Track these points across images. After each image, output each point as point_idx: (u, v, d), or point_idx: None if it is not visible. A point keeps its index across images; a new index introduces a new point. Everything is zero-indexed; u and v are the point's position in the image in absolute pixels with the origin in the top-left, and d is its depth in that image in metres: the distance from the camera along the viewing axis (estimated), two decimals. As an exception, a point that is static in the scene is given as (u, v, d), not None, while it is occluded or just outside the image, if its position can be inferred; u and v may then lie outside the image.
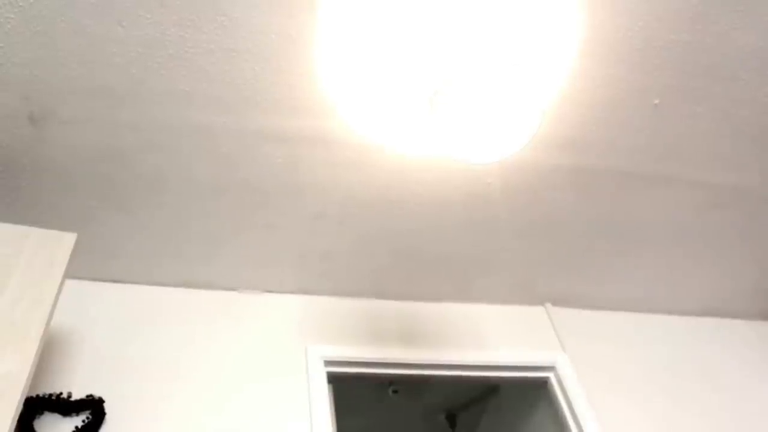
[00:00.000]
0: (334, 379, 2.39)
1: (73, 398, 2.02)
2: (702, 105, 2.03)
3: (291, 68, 1.73)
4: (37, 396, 1.97)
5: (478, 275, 2.74)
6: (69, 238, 1.76)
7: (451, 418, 3.88)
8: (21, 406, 1.45)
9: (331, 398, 2.33)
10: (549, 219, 2.45)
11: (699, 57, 1.86)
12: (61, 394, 2.01)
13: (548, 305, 2.95)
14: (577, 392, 2.57)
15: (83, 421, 1.98)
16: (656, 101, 1.99)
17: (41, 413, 1.96)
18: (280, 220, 2.28)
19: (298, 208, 2.24)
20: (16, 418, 1.42)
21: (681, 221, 2.56)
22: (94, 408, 2.01)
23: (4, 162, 1.90)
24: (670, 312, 3.13)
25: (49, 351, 2.10)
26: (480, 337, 2.73)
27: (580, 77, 1.87)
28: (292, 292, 2.64)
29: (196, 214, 2.20)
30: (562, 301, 2.96)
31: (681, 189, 2.39)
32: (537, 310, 2.94)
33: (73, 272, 1.80)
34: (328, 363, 2.40)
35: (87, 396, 2.03)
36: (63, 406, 1.99)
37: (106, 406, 2.03)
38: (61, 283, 1.68)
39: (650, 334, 3.00)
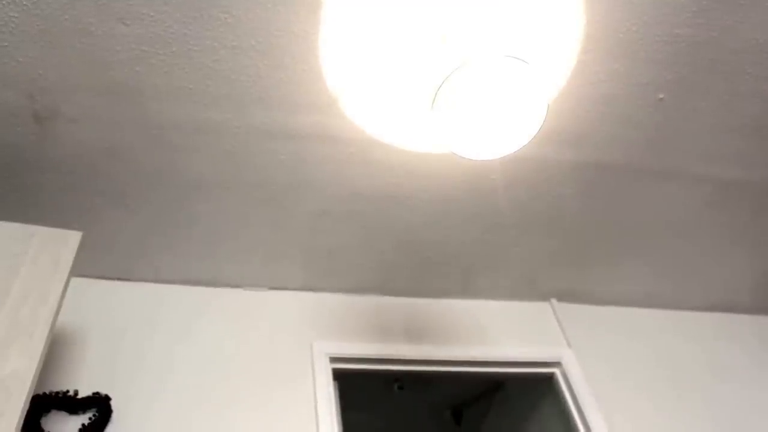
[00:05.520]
0: (339, 376, 2.40)
1: (79, 396, 2.02)
2: (706, 100, 2.03)
3: (294, 65, 1.73)
4: (44, 394, 1.98)
5: (483, 271, 2.73)
6: (74, 237, 1.76)
7: (457, 414, 3.88)
8: (28, 404, 1.45)
9: (337, 395, 2.33)
10: (553, 214, 2.44)
11: (703, 51, 1.85)
12: (67, 391, 2.02)
13: (553, 301, 2.95)
14: (582, 387, 2.56)
15: (90, 418, 1.98)
16: (661, 96, 1.98)
17: (48, 411, 1.97)
18: (284, 217, 2.28)
19: (302, 205, 2.24)
20: (23, 416, 1.43)
21: (685, 216, 2.56)
22: (100, 405, 2.02)
23: (9, 160, 1.90)
24: (675, 307, 3.13)
25: (55, 349, 2.11)
26: (485, 333, 2.73)
27: (583, 72, 1.86)
28: (297, 289, 2.64)
29: (202, 212, 2.20)
30: (567, 296, 2.96)
31: (685, 184, 2.38)
32: (542, 306, 2.94)
33: (78, 270, 1.80)
34: (333, 359, 2.41)
35: (93, 393, 2.04)
36: (70, 403, 2.00)
37: (113, 403, 2.04)
38: (67, 281, 1.68)
39: (655, 329, 3.00)
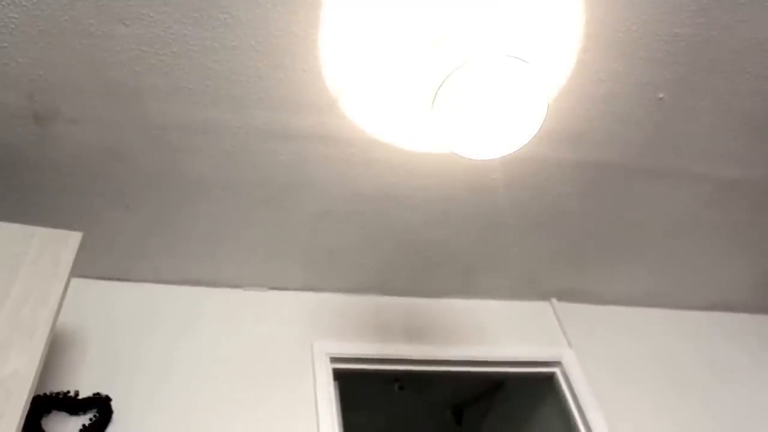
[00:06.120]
0: (339, 376, 2.40)
1: (80, 397, 2.02)
2: (706, 99, 2.02)
3: (294, 65, 1.73)
4: (45, 394, 1.98)
5: (484, 271, 2.73)
6: (74, 237, 1.76)
7: (458, 414, 3.88)
8: (28, 405, 1.45)
9: (337, 395, 2.33)
10: (553, 214, 2.44)
11: (703, 51, 1.85)
12: (68, 392, 2.02)
13: (554, 300, 2.95)
14: (583, 387, 2.57)
15: (90, 419, 1.98)
16: (661, 95, 1.98)
17: (49, 412, 1.97)
18: (285, 217, 2.28)
19: (302, 205, 2.24)
20: (24, 416, 1.42)
21: (685, 215, 2.56)
22: (101, 406, 2.02)
23: (9, 161, 1.90)
24: (675, 306, 3.13)
25: (55, 349, 2.11)
26: (486, 332, 2.73)
27: (583, 71, 1.86)
28: (297, 289, 2.65)
29: (202, 212, 2.20)
30: (567, 296, 2.96)
31: (685, 183, 2.38)
32: (542, 306, 2.94)
33: (78, 271, 1.80)
34: (333, 359, 2.41)
35: (94, 394, 2.04)
36: (70, 404, 2.00)
37: (113, 404, 2.04)
38: (67, 282, 1.68)
39: (656, 329, 3.00)
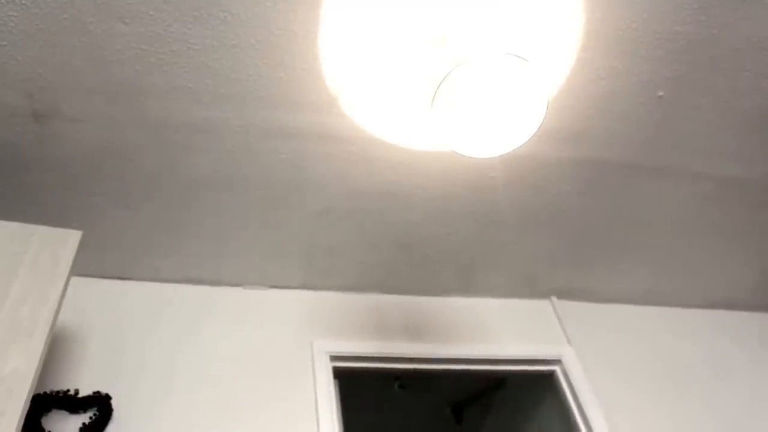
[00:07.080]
0: (340, 375, 2.39)
1: (80, 395, 2.02)
2: (706, 97, 2.02)
3: (294, 64, 1.73)
4: (45, 393, 1.98)
5: (484, 269, 2.73)
6: (74, 236, 1.76)
7: (458, 412, 3.88)
8: (28, 404, 1.45)
9: (337, 393, 2.33)
10: (553, 212, 2.44)
11: (704, 48, 1.85)
12: (68, 391, 2.02)
13: (553, 298, 2.95)
14: (583, 385, 2.56)
15: (90, 417, 1.98)
16: (660, 93, 1.98)
17: (49, 410, 1.96)
18: (285, 216, 2.28)
19: (302, 204, 2.24)
20: (24, 415, 1.43)
21: (685, 213, 2.56)
22: (101, 405, 2.02)
23: (8, 160, 1.90)
24: (675, 304, 3.12)
25: (55, 348, 2.11)
26: (486, 330, 2.73)
27: (583, 70, 1.86)
28: (297, 288, 2.64)
29: (202, 211, 2.20)
30: (567, 294, 2.96)
31: (685, 181, 2.38)
32: (542, 304, 2.94)
33: (79, 269, 1.80)
34: (333, 358, 2.40)
35: (94, 393, 2.04)
36: (70, 402, 2.00)
37: (113, 402, 2.04)
38: (67, 281, 1.68)
39: (656, 327, 3.00)
